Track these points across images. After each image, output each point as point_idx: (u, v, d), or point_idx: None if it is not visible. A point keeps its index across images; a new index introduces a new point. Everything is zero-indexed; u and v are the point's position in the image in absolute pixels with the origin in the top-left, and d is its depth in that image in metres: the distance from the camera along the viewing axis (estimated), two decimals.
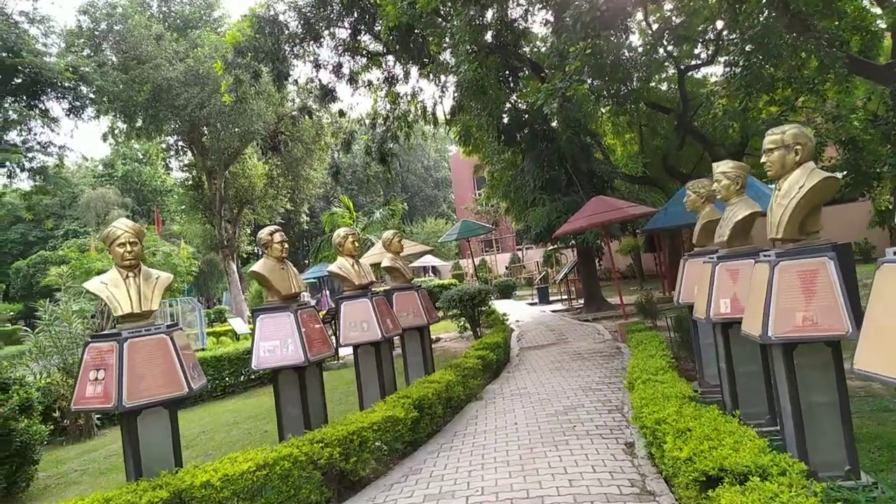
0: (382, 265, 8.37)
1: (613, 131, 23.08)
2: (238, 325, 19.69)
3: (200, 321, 18.77)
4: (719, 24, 20.64)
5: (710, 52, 20.63)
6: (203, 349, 16.45)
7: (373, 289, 7.29)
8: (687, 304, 6.41)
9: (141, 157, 54.02)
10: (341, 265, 7.01)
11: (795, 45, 10.54)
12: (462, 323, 12.66)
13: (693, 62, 21.29)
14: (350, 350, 7.34)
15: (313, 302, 32.35)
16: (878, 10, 11.64)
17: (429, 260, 37.89)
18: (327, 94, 16.98)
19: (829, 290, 3.61)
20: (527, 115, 17.65)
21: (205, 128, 27.00)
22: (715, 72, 23.02)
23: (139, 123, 28.43)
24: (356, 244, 7.04)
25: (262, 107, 25.45)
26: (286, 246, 5.82)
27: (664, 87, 22.69)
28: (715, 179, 5.24)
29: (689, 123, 20.97)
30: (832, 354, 3.77)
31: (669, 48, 20.47)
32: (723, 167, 5.19)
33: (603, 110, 22.16)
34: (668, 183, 21.43)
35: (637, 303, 12.56)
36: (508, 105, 15.64)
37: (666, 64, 22.31)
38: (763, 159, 4.06)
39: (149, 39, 25.75)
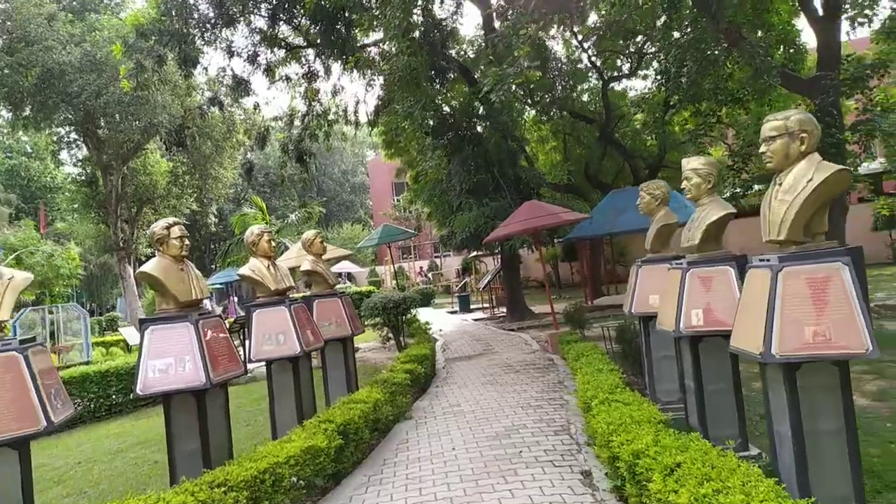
0: (302, 268, 7.42)
1: (537, 139, 23.07)
2: (131, 334, 17.81)
3: (86, 330, 16.77)
4: (640, 38, 21.15)
5: (632, 65, 20.98)
6: (88, 362, 14.63)
7: (290, 295, 6.36)
8: (641, 314, 5.92)
9: (29, 150, 49.26)
10: (254, 267, 6.03)
11: (728, 53, 10.53)
12: (385, 333, 11.82)
13: (616, 73, 21.58)
14: (260, 362, 6.34)
15: (219, 310, 30.33)
16: (802, 26, 11.99)
17: (345, 266, 36.64)
18: (240, 85, 15.69)
19: (843, 301, 3.10)
20: (453, 118, 17.11)
21: (101, 119, 24.61)
22: (635, 85, 23.59)
23: (26, 112, 25.55)
24: (272, 244, 6.09)
25: (168, 98, 23.49)
26: (187, 243, 4.80)
27: (585, 97, 22.91)
28: (684, 177, 4.75)
29: (611, 135, 21.22)
30: (840, 375, 3.27)
31: (593, 59, 20.67)
32: (693, 163, 4.71)
33: (527, 116, 22.16)
34: (591, 192, 21.58)
35: (565, 312, 12.20)
36: (434, 107, 15.00)
37: (589, 74, 22.57)
38: (762, 149, 3.55)
39: (39, 19, 23.17)
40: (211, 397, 4.73)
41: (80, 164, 31.88)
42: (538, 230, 11.17)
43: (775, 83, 10.89)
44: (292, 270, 13.04)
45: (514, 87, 15.19)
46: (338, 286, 24.82)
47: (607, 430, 4.10)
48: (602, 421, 4.31)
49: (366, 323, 12.19)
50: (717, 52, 10.36)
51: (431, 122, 14.06)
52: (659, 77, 14.23)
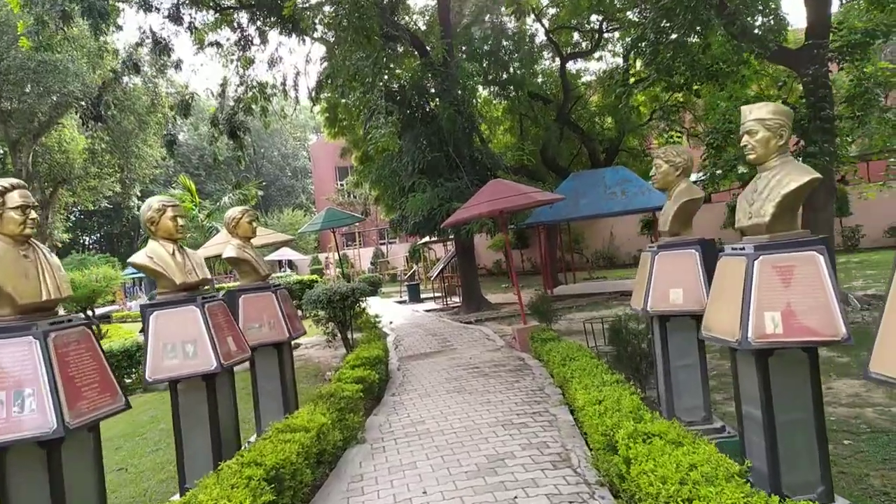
0: (224, 255, 5.87)
1: (491, 120, 21.83)
2: None
3: None
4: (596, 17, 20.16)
5: (591, 42, 19.96)
6: None
7: (209, 289, 4.83)
8: (660, 312, 4.70)
9: None
10: (153, 254, 4.47)
11: (720, 14, 9.49)
12: (330, 329, 10.32)
13: (575, 51, 20.52)
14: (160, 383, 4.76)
15: (133, 305, 27.83)
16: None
17: (286, 253, 34.60)
18: (160, 46, 13.65)
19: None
20: (401, 94, 15.61)
21: (3, 87, 21.81)
22: (590, 67, 22.71)
23: None
24: (178, 222, 4.54)
25: (82, 66, 20.95)
26: (32, 217, 3.21)
27: (539, 79, 21.80)
28: (745, 131, 3.50)
29: (568, 116, 20.20)
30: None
31: (550, 35, 19.52)
32: (758, 111, 3.45)
33: (483, 93, 20.85)
34: (547, 176, 20.54)
35: (529, 303, 11.01)
36: (387, 67, 13.45)
37: (545, 53, 21.45)
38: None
39: None
40: (72, 447, 3.18)
41: None
42: (506, 212, 9.89)
43: (763, 53, 9.96)
44: (216, 258, 11.38)
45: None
46: (277, 275, 22.93)
47: (664, 495, 2.82)
48: (649, 474, 3.02)
49: (308, 316, 10.67)
50: (710, 13, 9.28)
51: (383, 85, 12.48)
52: (630, 48, 13.16)
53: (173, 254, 4.52)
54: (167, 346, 4.25)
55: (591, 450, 4.62)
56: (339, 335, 10.51)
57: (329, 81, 16.28)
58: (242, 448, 5.09)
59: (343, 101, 19.43)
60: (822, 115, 9.46)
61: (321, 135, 47.79)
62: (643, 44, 11.01)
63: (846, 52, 9.37)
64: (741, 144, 3.56)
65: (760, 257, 3.30)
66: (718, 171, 10.61)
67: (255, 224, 5.95)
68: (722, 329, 3.48)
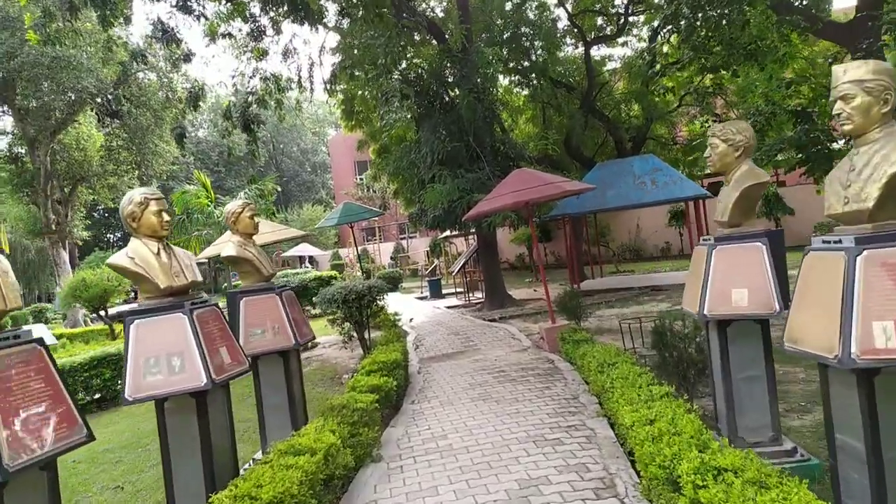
0: (223, 254, 5.32)
1: (513, 107, 21.10)
2: (42, 332, 15.27)
3: None
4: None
5: (617, 26, 19.10)
6: None
7: (198, 293, 4.28)
8: (722, 316, 4.03)
9: None
10: (135, 252, 3.91)
11: None
12: (346, 329, 9.77)
13: (599, 35, 19.66)
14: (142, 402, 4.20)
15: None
16: None
17: (305, 249, 34.30)
18: (166, 34, 13.17)
19: None
20: (418, 82, 14.99)
21: (19, 84, 21.63)
22: (614, 54, 21.83)
23: None
24: (163, 217, 4.02)
25: (96, 62, 20.65)
26: None
27: (560, 68, 20.97)
28: (839, 95, 2.82)
29: (593, 103, 19.39)
30: None
31: (573, 18, 18.70)
32: (855, 72, 2.77)
33: (503, 81, 20.15)
34: (571, 166, 19.78)
35: (556, 299, 10.32)
36: (401, 49, 12.83)
37: (567, 39, 20.63)
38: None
39: None
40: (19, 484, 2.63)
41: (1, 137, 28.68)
42: (532, 203, 9.22)
43: (809, 27, 9.16)
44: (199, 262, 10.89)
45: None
46: (295, 272, 22.49)
47: None
48: None
49: (325, 316, 10.14)
50: None
51: (399, 73, 11.84)
52: (662, 24, 12.35)
53: (158, 253, 3.96)
54: (150, 360, 3.70)
55: (639, 476, 3.98)
56: (355, 336, 9.95)
57: (344, 70, 15.76)
58: (242, 469, 4.55)
59: (360, 92, 18.94)
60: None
61: (339, 129, 47.44)
62: (680, 20, 10.22)
63: None
64: (834, 112, 2.88)
65: (865, 252, 2.62)
66: (760, 158, 9.81)
67: (257, 219, 5.39)
68: (814, 342, 2.82)
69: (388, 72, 10.83)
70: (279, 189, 25.55)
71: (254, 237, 5.50)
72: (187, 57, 13.91)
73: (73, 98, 23.37)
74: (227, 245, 5.31)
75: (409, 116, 10.48)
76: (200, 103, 14.58)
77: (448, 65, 14.76)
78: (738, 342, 4.10)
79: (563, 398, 6.26)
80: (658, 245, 25.81)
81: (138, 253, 3.91)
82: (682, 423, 3.61)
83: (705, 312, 4.03)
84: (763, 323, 4.09)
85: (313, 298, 11.16)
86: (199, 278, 4.11)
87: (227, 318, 4.30)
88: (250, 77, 16.18)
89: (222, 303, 5.32)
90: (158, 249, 3.98)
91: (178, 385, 3.69)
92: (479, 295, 18.30)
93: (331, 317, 9.76)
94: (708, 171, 23.44)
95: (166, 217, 4.02)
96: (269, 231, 10.62)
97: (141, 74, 25.24)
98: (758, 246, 3.94)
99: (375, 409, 5.58)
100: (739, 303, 3.93)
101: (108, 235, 61.35)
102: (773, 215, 21.72)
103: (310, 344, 13.55)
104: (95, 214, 52.55)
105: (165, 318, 3.79)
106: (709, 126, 16.02)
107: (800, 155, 9.85)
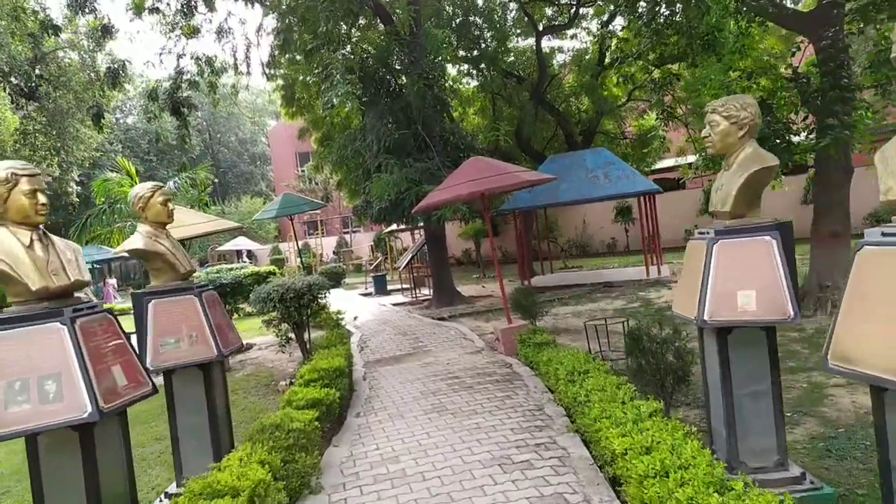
0: (127, 248, 4.40)
1: (462, 97, 20.47)
2: None
3: None
4: None
5: (569, 16, 18.70)
6: None
7: (89, 294, 3.38)
8: (723, 322, 3.45)
9: None
10: None
11: None
12: (283, 331, 8.86)
13: (552, 24, 19.23)
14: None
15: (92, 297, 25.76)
16: None
17: (243, 243, 32.75)
18: (78, 2, 11.79)
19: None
20: (367, 66, 14.13)
21: None
22: (563, 46, 21.54)
23: None
24: (169, 206, 3.27)
25: (5, 35, 18.74)
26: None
27: (511, 58, 20.48)
28: None
29: (543, 95, 18.97)
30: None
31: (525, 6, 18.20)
32: None
33: (452, 71, 19.53)
34: (521, 159, 19.31)
35: (511, 297, 9.73)
36: (349, 13, 11.95)
37: (517, 29, 20.13)
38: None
39: None
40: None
41: None
42: (489, 194, 8.56)
43: (769, 15, 8.87)
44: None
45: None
46: (235, 266, 21.23)
47: None
48: None
49: (261, 317, 9.21)
50: None
51: (340, 44, 10.91)
52: (621, 10, 11.93)
53: (30, 245, 3.06)
54: (13, 386, 2.81)
55: None
56: (294, 338, 9.06)
57: (282, 49, 14.73)
58: None
59: (301, 77, 17.90)
60: (842, 83, 8.41)
61: (280, 119, 45.70)
62: (640, 4, 9.77)
63: (871, 9, 8.30)
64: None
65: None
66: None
67: (171, 205, 4.49)
68: (877, 361, 2.23)
69: (330, 41, 9.91)
70: (214, 179, 24.09)
71: (168, 227, 4.62)
72: (107, 30, 12.54)
73: None
74: (133, 236, 4.40)
75: (353, 94, 9.61)
76: (122, 82, 13.18)
77: (396, 49, 13.96)
78: (741, 352, 3.55)
79: (527, 409, 5.63)
80: (604, 241, 25.75)
81: (2, 245, 3.00)
82: (687, 453, 3.02)
83: (706, 318, 3.44)
84: (769, 329, 3.55)
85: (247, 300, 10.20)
86: (86, 277, 3.23)
87: (122, 327, 3.42)
88: (180, 55, 14.88)
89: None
90: (31, 240, 3.09)
91: (52, 417, 2.83)
92: (426, 291, 17.60)
93: (266, 317, 8.81)
94: (656, 167, 23.54)
95: (42, 199, 3.12)
96: (198, 222, 9.56)
97: (62, 53, 23.26)
98: (767, 240, 3.39)
99: (315, 429, 4.79)
100: (746, 306, 3.36)
101: (63, 232, 57.42)
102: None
103: (245, 345, 12.53)
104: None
105: (35, 331, 2.90)
106: (658, 119, 15.79)
107: None
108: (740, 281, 3.41)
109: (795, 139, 9.62)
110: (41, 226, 3.19)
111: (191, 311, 4.28)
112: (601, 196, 14.82)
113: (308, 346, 9.03)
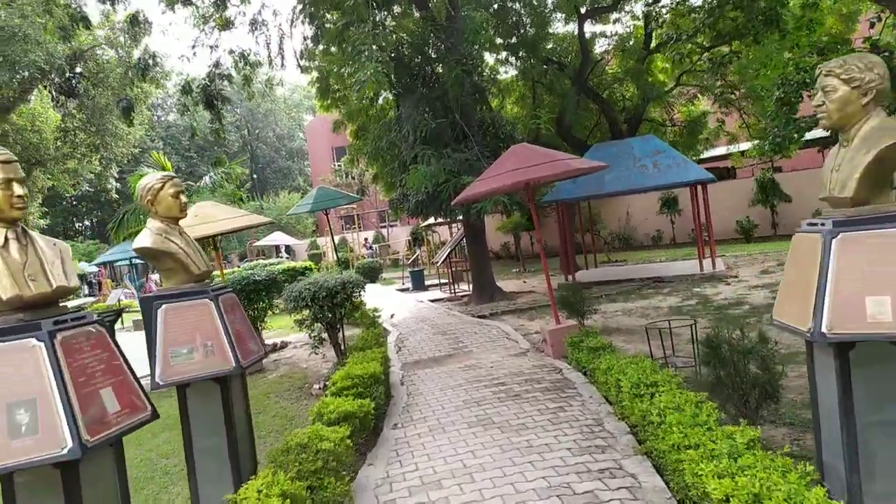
0: (134, 246, 3.93)
1: (501, 86, 19.74)
2: None
3: None
4: None
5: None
6: None
7: (76, 303, 2.88)
8: (848, 335, 2.76)
9: None
10: None
11: None
12: (316, 333, 8.39)
13: (595, 6, 18.32)
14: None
15: (121, 295, 25.90)
16: None
17: (280, 238, 32.72)
18: None
19: None
20: (404, 53, 13.59)
21: None
22: (607, 30, 20.57)
23: None
24: (182, 199, 3.19)
25: (44, 34, 18.82)
26: None
27: (551, 45, 19.63)
28: None
29: (586, 82, 18.13)
30: None
31: None
32: None
33: (490, 60, 18.86)
34: (563, 148, 18.50)
35: (558, 294, 9.04)
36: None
37: (558, 14, 19.27)
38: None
39: None
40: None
41: None
42: (534, 184, 7.90)
43: None
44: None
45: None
46: (271, 262, 21.02)
47: None
48: None
49: (293, 317, 8.76)
50: None
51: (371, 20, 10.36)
52: None
53: (4, 245, 2.58)
54: None
55: None
56: (327, 338, 8.59)
57: (314, 37, 14.29)
58: None
59: (335, 69, 17.48)
60: None
61: (317, 115, 45.62)
62: None
63: None
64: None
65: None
66: (794, 134, 8.60)
67: (183, 198, 3.99)
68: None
69: (359, 18, 9.36)
70: (247, 173, 23.97)
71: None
72: (135, 20, 12.28)
73: (25, 74, 21.54)
74: (141, 233, 3.92)
75: (383, 73, 9.07)
76: (153, 74, 12.93)
77: (432, 36, 13.36)
78: (868, 371, 2.85)
79: (584, 424, 4.99)
80: (648, 233, 24.69)
81: None
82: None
83: (824, 330, 2.75)
84: None
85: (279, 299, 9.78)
86: (72, 283, 2.73)
87: (117, 343, 2.92)
88: (212, 47, 14.59)
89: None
90: (6, 239, 2.60)
91: (25, 454, 2.33)
92: (464, 287, 17.02)
93: (297, 316, 8.35)
94: (705, 155, 22.38)
95: (19, 190, 2.63)
96: (229, 217, 9.16)
97: (100, 51, 23.42)
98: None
99: (347, 448, 4.26)
100: (878, 316, 2.66)
101: (77, 224, 58.82)
102: (769, 202, 20.81)
103: (279, 343, 12.17)
104: (64, 202, 50.23)
105: (6, 349, 2.41)
106: (718, 101, 14.73)
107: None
108: (869, 284, 2.71)
109: None
110: (19, 222, 2.70)
111: (206, 317, 3.78)
112: (651, 186, 13.96)
113: (342, 347, 8.56)
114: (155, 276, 33.93)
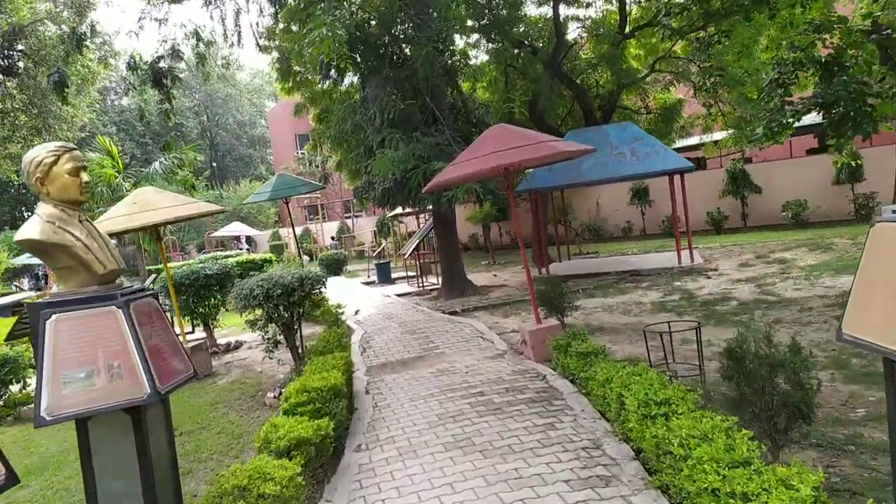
0: (19, 238, 3.03)
1: (472, 69, 18.90)
2: None
3: None
4: None
5: None
6: None
7: None
8: None
9: None
10: None
11: None
12: (271, 335, 7.49)
13: None
14: None
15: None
16: None
17: (240, 229, 31.41)
18: None
19: None
20: (372, 33, 12.69)
21: None
22: (582, 14, 19.90)
23: None
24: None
25: None
26: None
27: (523, 27, 18.89)
28: None
29: (560, 67, 17.45)
30: None
31: None
32: None
33: (459, 43, 18.05)
34: None
35: (539, 291, 8.32)
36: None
37: None
38: None
39: None
40: None
41: None
42: (514, 169, 7.15)
43: None
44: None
45: None
46: (227, 254, 19.88)
47: None
48: None
49: (244, 317, 7.84)
50: None
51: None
52: None
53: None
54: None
55: None
56: (284, 341, 7.71)
57: (276, 13, 13.27)
58: None
59: (295, 46, 16.43)
60: None
61: (279, 101, 44.07)
62: None
63: None
64: None
65: None
66: (790, 119, 8.03)
67: (85, 176, 3.07)
68: None
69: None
70: (203, 160, 22.62)
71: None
72: None
73: None
74: (28, 223, 3.01)
75: (344, 34, 8.22)
76: (87, 46, 11.72)
77: (401, 13, 12.47)
78: None
79: (581, 447, 4.28)
80: (619, 224, 24.28)
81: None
82: None
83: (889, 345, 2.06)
84: None
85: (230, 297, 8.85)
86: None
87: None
88: (161, 21, 13.37)
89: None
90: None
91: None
92: (433, 280, 16.27)
93: (249, 316, 7.45)
94: (675, 145, 21.97)
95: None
96: (172, 205, 8.18)
97: (42, 27, 21.75)
98: None
99: (298, 488, 3.45)
100: None
101: (25, 213, 55.96)
102: (739, 194, 20.58)
103: (232, 343, 11.22)
104: (12, 190, 47.67)
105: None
106: (707, 82, 14.08)
107: (827, 116, 8.11)
108: None
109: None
110: None
111: (111, 330, 2.90)
112: (628, 175, 13.38)
113: (300, 350, 7.69)
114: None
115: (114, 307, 2.95)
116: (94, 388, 2.83)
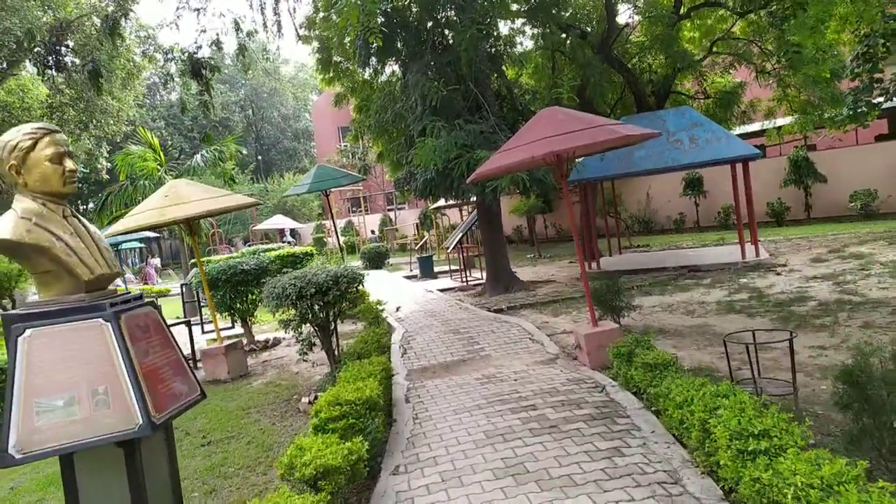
0: None
1: (516, 56, 18.16)
2: None
3: None
4: None
5: None
6: None
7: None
8: None
9: None
10: None
11: None
12: (305, 336, 7.03)
13: None
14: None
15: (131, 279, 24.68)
16: None
17: (282, 222, 31.44)
18: None
19: None
20: (411, 17, 12.13)
21: None
22: None
23: None
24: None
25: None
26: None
27: (570, 11, 17.99)
28: None
29: (611, 51, 16.54)
30: None
31: None
32: None
33: (504, 30, 17.31)
34: None
35: (593, 288, 7.61)
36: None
37: None
38: None
39: None
40: None
41: None
42: (569, 156, 6.46)
43: None
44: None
45: None
46: (269, 247, 19.78)
47: None
48: None
49: (277, 316, 7.40)
50: None
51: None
52: None
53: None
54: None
55: None
56: (319, 344, 7.25)
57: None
58: None
59: (335, 38, 16.01)
60: None
61: (322, 94, 44.02)
62: None
63: None
64: None
65: None
66: (880, 98, 7.11)
67: (70, 163, 2.59)
68: None
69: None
70: (244, 152, 22.51)
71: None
72: None
73: (14, 46, 20.27)
74: (1, 219, 2.55)
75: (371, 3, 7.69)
76: (121, 33, 11.50)
77: None
78: None
79: (655, 480, 3.62)
80: (670, 216, 23.13)
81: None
82: None
83: None
84: None
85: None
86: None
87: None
88: (198, 10, 13.10)
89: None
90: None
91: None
92: (476, 275, 15.67)
93: (282, 316, 7.00)
94: (734, 132, 20.73)
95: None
96: (203, 197, 7.80)
97: (88, 22, 22.01)
98: None
99: None
100: None
101: (82, 207, 57.68)
102: (803, 183, 19.22)
103: (270, 340, 10.88)
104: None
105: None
106: (783, 58, 12.95)
107: None
108: None
109: None
110: None
111: (97, 347, 2.42)
112: (687, 164, 12.46)
113: (336, 352, 7.22)
114: (154, 261, 32.74)
115: (101, 320, 2.45)
116: (75, 418, 2.34)
